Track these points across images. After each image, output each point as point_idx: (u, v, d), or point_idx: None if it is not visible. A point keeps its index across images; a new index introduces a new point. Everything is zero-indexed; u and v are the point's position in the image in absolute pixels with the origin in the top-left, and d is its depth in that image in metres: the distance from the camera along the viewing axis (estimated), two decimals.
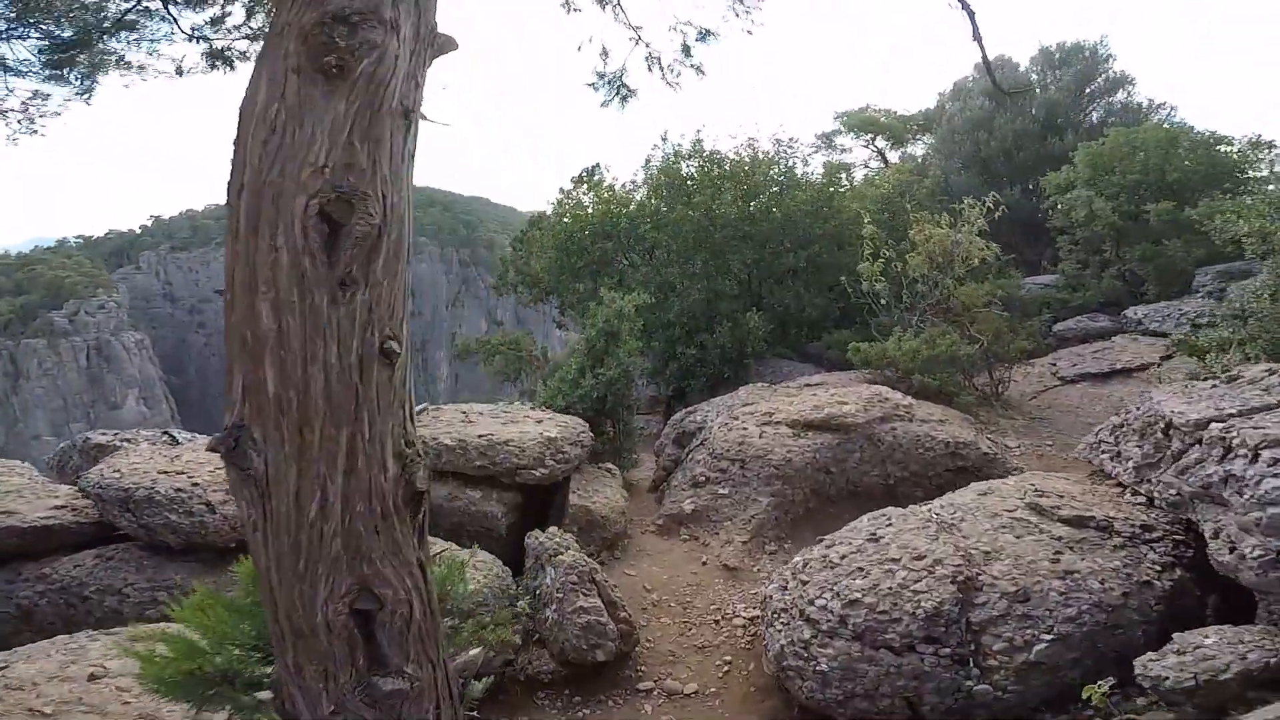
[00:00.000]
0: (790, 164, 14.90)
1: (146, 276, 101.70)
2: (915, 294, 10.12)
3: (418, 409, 7.05)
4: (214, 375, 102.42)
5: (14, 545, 6.24)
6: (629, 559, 6.22)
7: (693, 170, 14.33)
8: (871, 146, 24.21)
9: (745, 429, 6.86)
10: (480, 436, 5.82)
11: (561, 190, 15.58)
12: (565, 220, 14.96)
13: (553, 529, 5.28)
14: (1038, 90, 18.64)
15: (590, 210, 14.70)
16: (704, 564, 6.22)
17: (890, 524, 4.56)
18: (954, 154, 19.00)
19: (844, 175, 16.53)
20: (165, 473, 6.63)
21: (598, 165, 15.87)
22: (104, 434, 9.01)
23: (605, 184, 15.26)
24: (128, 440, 8.80)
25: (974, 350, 8.73)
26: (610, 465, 7.14)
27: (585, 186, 15.33)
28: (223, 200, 2.10)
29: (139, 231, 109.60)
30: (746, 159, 14.47)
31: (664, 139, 15.17)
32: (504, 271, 18.12)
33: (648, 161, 15.20)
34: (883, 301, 10.63)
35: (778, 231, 13.74)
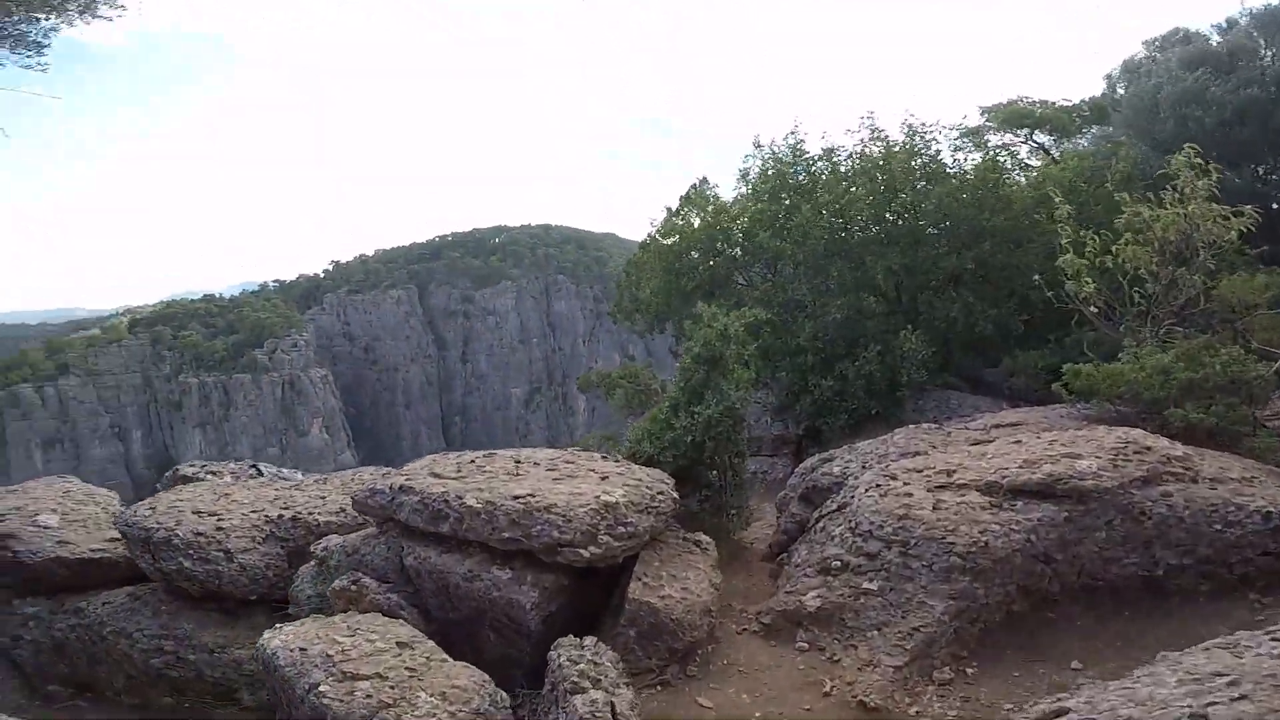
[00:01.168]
0: (935, 151, 12.25)
1: (329, 317, 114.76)
2: (1147, 296, 7.23)
3: (452, 455, 5.68)
4: (384, 407, 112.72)
5: (62, 576, 6.17)
6: (710, 676, 4.23)
7: (814, 168, 12.46)
8: (1030, 142, 20.76)
9: (909, 494, 4.64)
10: (517, 498, 4.21)
11: (667, 209, 14.20)
12: (671, 241, 13.59)
13: (589, 641, 3.52)
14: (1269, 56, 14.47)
15: (697, 226, 13.26)
16: (828, 694, 4.09)
17: None
18: (1148, 135, 15.20)
19: (1008, 159, 13.58)
20: (199, 513, 5.85)
21: (704, 179, 14.37)
22: (192, 465, 8.64)
23: (712, 198, 13.81)
24: (213, 473, 8.32)
25: (1267, 370, 5.79)
26: (702, 537, 5.21)
27: (691, 205, 13.92)
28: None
29: (322, 275, 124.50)
30: (877, 151, 12.14)
31: (757, 145, 13.33)
32: (619, 299, 17.18)
33: (745, 174, 13.49)
34: (1093, 309, 7.78)
35: (932, 230, 11.24)
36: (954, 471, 4.70)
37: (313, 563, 5.17)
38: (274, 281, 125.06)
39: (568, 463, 5.15)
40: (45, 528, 6.16)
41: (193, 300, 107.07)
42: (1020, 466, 4.47)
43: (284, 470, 9.04)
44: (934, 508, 4.39)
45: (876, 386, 9.94)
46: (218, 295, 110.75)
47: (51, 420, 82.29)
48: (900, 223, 11.33)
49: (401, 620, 4.00)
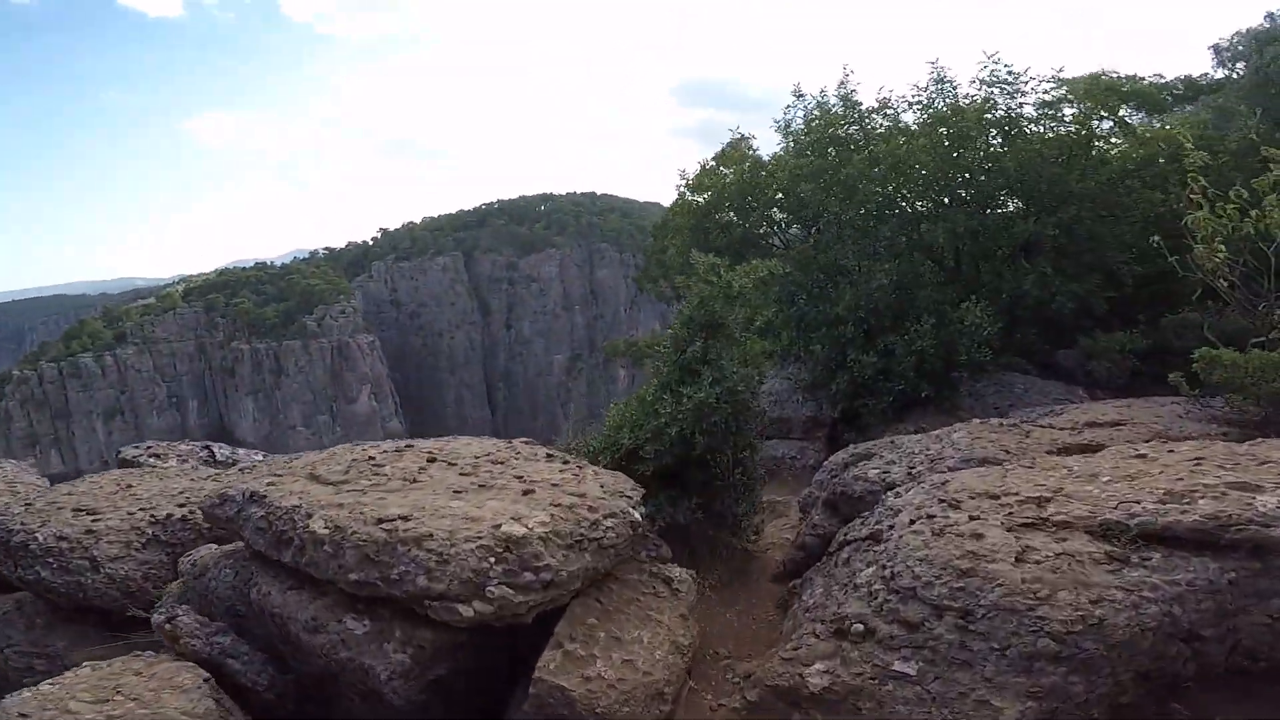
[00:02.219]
0: (1017, 104, 10.31)
1: (377, 284, 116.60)
2: None
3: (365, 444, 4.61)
4: (429, 373, 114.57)
5: None
6: None
7: (868, 122, 11.03)
8: (1116, 118, 18.27)
9: (978, 535, 3.06)
10: (382, 522, 2.90)
11: (700, 164, 12.97)
12: (702, 198, 12.41)
13: None
14: None
15: (730, 181, 12.02)
16: None
17: None
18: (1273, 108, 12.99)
19: (1101, 120, 11.49)
20: (79, 510, 4.75)
21: (743, 136, 13.02)
22: (136, 447, 7.68)
23: (750, 152, 12.61)
24: (157, 455, 7.34)
25: None
26: (675, 572, 3.78)
27: (726, 161, 12.70)
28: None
29: (370, 243, 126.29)
30: (944, 105, 10.38)
31: (798, 94, 11.72)
32: (647, 265, 15.96)
33: (785, 126, 11.96)
34: (1224, 282, 5.94)
35: (1005, 189, 9.41)
36: (1048, 500, 3.11)
37: (177, 581, 4.03)
38: (323, 249, 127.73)
39: (496, 463, 3.81)
40: None
41: (245, 269, 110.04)
42: (1160, 500, 2.87)
43: (240, 451, 8.02)
44: (1017, 559, 2.84)
45: (929, 365, 8.28)
46: (269, 263, 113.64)
47: (111, 390, 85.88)
48: (969, 180, 9.57)
49: (205, 684, 2.78)
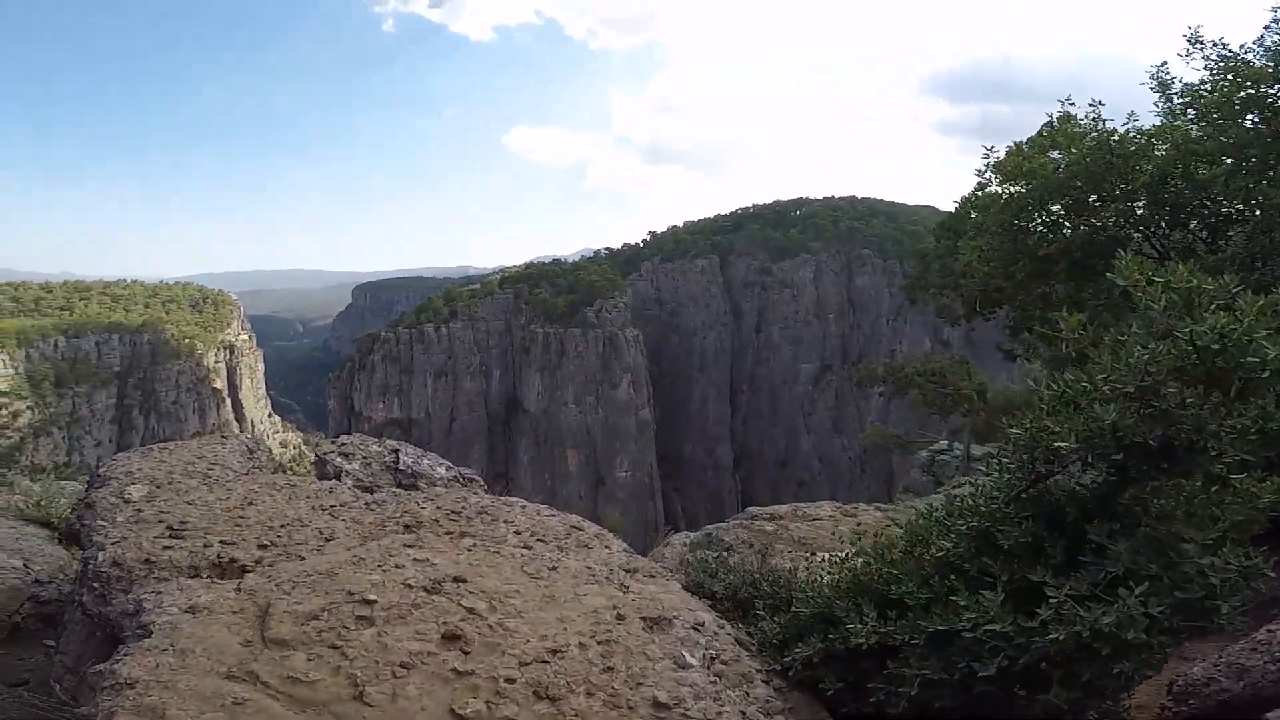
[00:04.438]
0: None
1: (645, 282, 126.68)
2: None
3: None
4: (681, 369, 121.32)
5: None
6: None
7: None
8: None
9: None
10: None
11: (1009, 146, 9.58)
12: (1014, 190, 9.28)
13: None
14: None
15: (1069, 163, 8.55)
16: None
17: None
18: None
19: None
20: (170, 531, 3.80)
21: (1068, 113, 9.20)
22: (333, 442, 6.48)
23: (1093, 127, 8.87)
24: (344, 455, 5.91)
25: None
26: None
27: (1051, 142, 9.19)
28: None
29: (641, 245, 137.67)
30: None
31: (1195, 41, 7.87)
32: (921, 271, 14.26)
33: (1163, 85, 8.61)
34: None
35: None
36: None
37: None
38: (605, 249, 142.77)
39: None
40: None
41: (545, 263, 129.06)
42: None
43: (425, 461, 6.30)
44: None
45: None
46: (564, 259, 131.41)
47: (441, 355, 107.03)
48: None
49: None
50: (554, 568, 3.45)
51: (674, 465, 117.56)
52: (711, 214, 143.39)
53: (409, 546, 3.38)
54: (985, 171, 9.79)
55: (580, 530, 4.37)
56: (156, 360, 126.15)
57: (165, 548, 3.17)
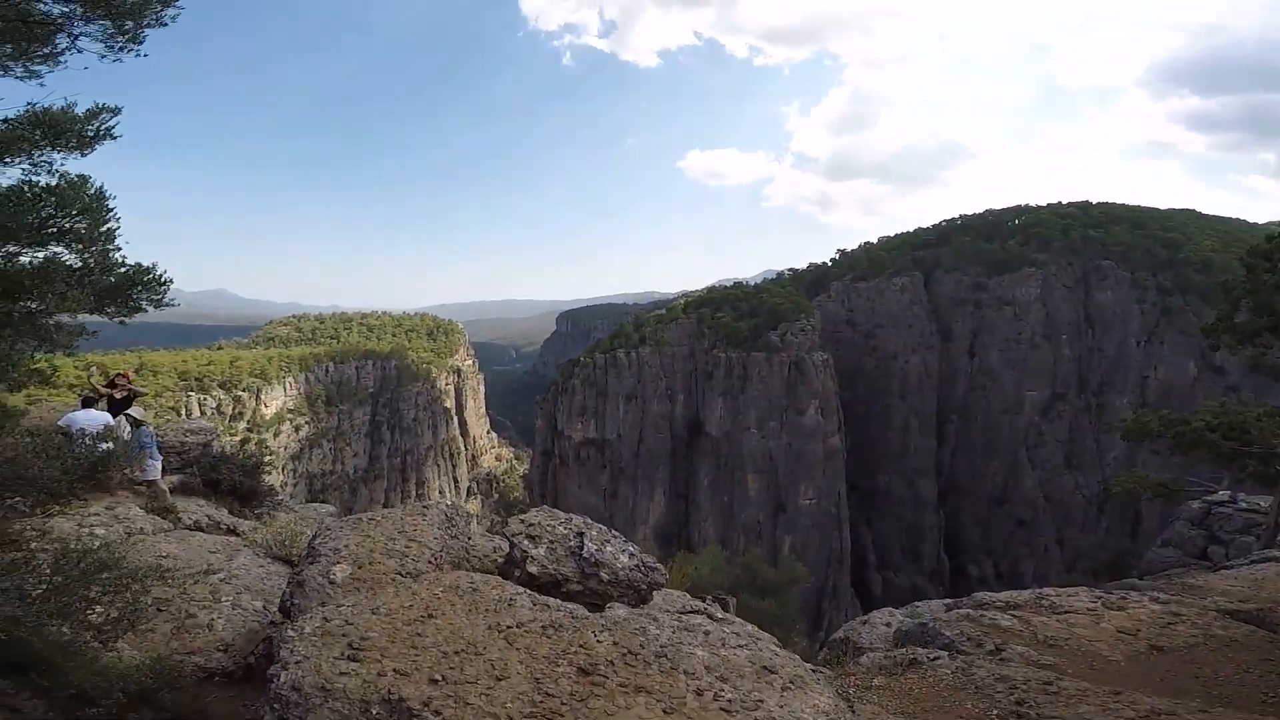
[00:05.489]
0: None
1: (834, 304, 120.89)
2: None
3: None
4: (878, 395, 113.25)
5: None
6: None
7: None
8: None
9: None
10: None
11: None
12: None
13: None
14: None
15: None
16: None
17: None
18: None
19: None
20: (351, 653, 3.38)
21: None
22: (522, 521, 5.79)
23: None
24: (531, 538, 5.47)
25: None
26: None
27: None
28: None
29: (829, 264, 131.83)
30: None
31: None
32: (1225, 310, 11.88)
33: None
34: None
35: None
36: None
37: None
38: (788, 270, 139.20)
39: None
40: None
41: (726, 287, 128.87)
42: None
43: (608, 548, 5.47)
44: None
45: None
46: (745, 282, 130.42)
47: (631, 379, 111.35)
48: None
49: None
50: None
51: (866, 496, 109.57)
52: (910, 228, 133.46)
53: (580, 701, 2.95)
54: None
55: (773, 673, 3.63)
56: (401, 382, 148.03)
57: (341, 673, 3.07)
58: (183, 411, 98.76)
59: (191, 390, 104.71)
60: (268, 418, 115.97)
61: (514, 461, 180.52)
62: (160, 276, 4.79)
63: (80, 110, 4.18)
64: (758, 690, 3.51)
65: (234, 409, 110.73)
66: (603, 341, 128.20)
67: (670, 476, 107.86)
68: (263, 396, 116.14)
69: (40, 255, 4.15)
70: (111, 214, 4.25)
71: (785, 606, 17.62)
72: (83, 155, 4.23)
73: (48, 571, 3.55)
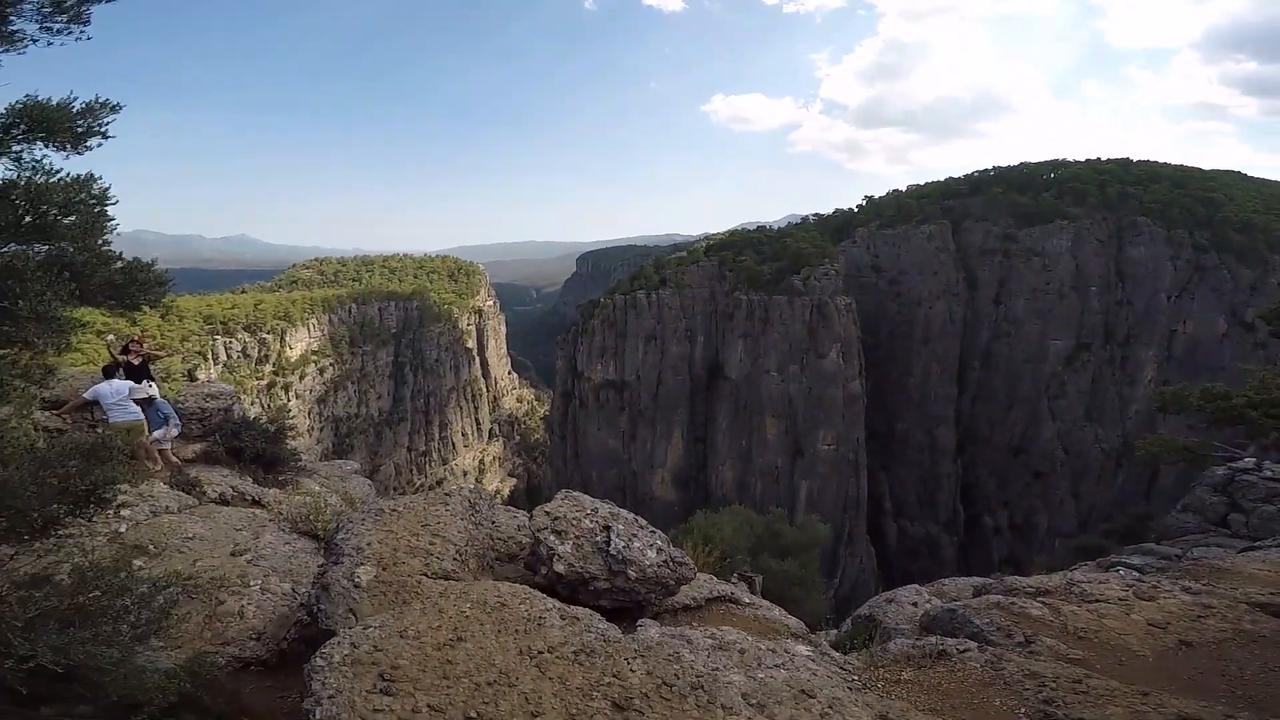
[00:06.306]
0: None
1: (860, 250, 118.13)
2: None
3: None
4: (900, 340, 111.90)
5: None
6: None
7: None
8: None
9: None
10: None
11: None
12: None
13: None
14: None
15: None
16: None
17: None
18: None
19: None
20: (383, 686, 3.41)
21: None
22: (547, 514, 5.65)
23: None
24: (557, 533, 5.27)
25: None
26: None
27: None
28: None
29: (855, 210, 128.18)
30: None
31: None
32: None
33: None
34: None
35: None
36: None
37: None
38: (813, 215, 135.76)
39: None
40: None
41: (749, 231, 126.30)
42: None
43: (637, 540, 5.29)
44: None
45: None
46: (768, 226, 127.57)
47: (651, 319, 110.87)
48: None
49: None
50: None
51: (884, 443, 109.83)
52: (941, 177, 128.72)
53: None
54: None
55: (811, 697, 3.55)
56: (423, 324, 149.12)
57: (376, 709, 3.02)
58: (209, 355, 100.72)
59: (217, 334, 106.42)
60: (292, 360, 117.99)
61: (535, 403, 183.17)
62: (160, 275, 4.59)
63: (77, 108, 3.88)
64: (799, 707, 3.44)
65: (259, 352, 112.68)
66: (623, 282, 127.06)
67: (689, 419, 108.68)
68: (287, 339, 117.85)
69: (22, 250, 3.91)
70: (102, 213, 3.99)
71: (806, 568, 17.82)
72: (78, 154, 3.93)
73: (68, 584, 3.53)
